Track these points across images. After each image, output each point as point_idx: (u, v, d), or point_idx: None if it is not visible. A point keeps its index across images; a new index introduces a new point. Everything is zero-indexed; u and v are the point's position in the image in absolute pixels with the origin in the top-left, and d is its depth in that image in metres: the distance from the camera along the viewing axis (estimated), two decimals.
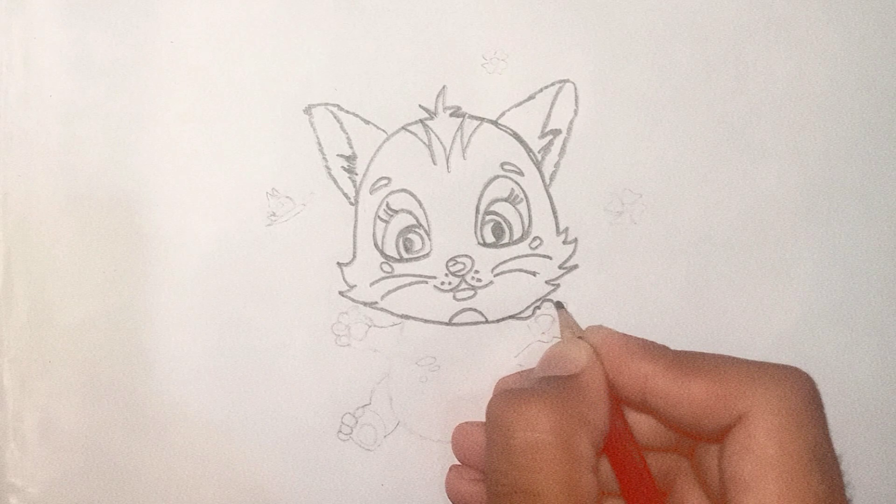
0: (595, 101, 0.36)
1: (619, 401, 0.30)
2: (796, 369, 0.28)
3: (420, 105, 0.36)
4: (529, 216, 0.36)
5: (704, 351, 0.36)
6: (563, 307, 0.35)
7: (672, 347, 0.36)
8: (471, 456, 0.34)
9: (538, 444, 0.27)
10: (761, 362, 0.28)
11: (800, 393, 0.27)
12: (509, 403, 0.28)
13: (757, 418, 0.26)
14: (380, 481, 0.36)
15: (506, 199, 0.36)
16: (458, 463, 0.35)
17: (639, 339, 0.30)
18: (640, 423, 0.31)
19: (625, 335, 0.30)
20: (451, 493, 0.35)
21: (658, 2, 0.37)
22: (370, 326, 0.36)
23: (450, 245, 0.36)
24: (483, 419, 0.35)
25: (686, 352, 0.29)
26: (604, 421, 0.29)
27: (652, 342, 0.30)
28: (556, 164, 0.36)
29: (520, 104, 0.36)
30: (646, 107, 0.37)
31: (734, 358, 0.29)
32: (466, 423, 0.35)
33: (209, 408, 0.36)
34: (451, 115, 0.36)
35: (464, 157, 0.36)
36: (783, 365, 0.28)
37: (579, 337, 0.31)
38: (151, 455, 0.35)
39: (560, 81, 0.36)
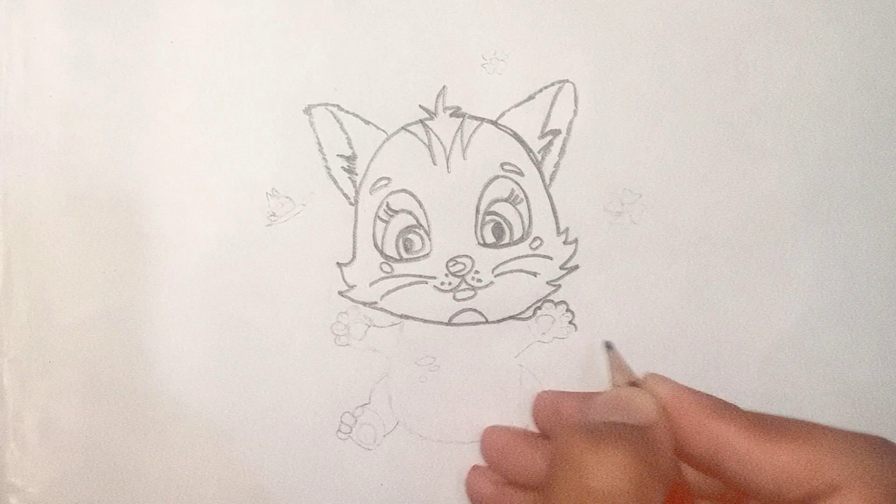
0: (595, 101, 0.36)
1: (679, 457, 0.29)
2: (887, 440, 0.27)
3: (420, 105, 0.36)
4: (529, 216, 0.36)
5: (705, 351, 0.36)
6: (612, 347, 0.33)
7: (672, 348, 0.36)
8: (499, 460, 0.34)
9: (617, 493, 0.25)
10: (850, 431, 0.27)
11: (893, 465, 0.26)
12: (591, 444, 0.26)
13: (853, 491, 0.25)
14: (379, 481, 0.36)
15: (506, 200, 0.36)
16: (477, 464, 0.35)
17: (709, 395, 0.28)
18: (686, 471, 0.29)
19: (693, 391, 0.28)
20: (472, 492, 0.35)
21: (658, 2, 0.37)
22: (369, 326, 0.36)
23: (450, 245, 0.36)
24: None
25: (763, 414, 0.28)
26: (672, 476, 0.27)
27: (723, 400, 0.28)
28: (556, 165, 0.36)
29: (519, 104, 0.36)
30: (646, 107, 0.37)
31: (818, 424, 0.27)
32: (497, 426, 0.35)
33: (209, 408, 0.36)
34: (451, 115, 0.36)
35: (464, 157, 0.36)
36: (872, 435, 0.27)
37: (632, 382, 0.30)
38: (151, 455, 0.35)
39: (560, 81, 0.36)
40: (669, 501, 0.28)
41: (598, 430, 0.27)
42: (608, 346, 0.33)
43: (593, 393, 0.30)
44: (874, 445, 0.26)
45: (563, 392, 0.35)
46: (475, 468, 0.35)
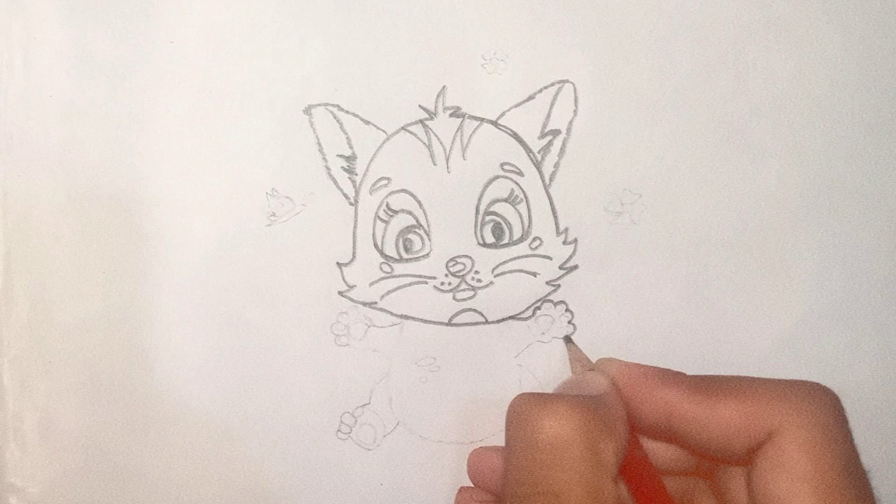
0: (595, 101, 0.36)
1: (635, 429, 0.30)
2: (821, 385, 0.28)
3: (420, 105, 0.36)
4: (529, 216, 0.36)
5: (705, 351, 0.36)
6: (571, 341, 0.35)
7: (672, 348, 0.36)
8: (486, 479, 0.34)
9: (565, 441, 0.26)
10: (785, 380, 0.28)
11: (828, 408, 0.27)
12: (536, 401, 0.27)
13: (788, 434, 0.26)
14: (379, 481, 0.36)
15: (506, 200, 0.36)
16: (467, 485, 0.35)
17: (655, 367, 0.30)
18: (658, 449, 0.31)
19: (640, 364, 0.30)
20: None
21: (658, 2, 0.37)
22: (369, 326, 0.36)
23: (450, 245, 0.36)
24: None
25: (705, 375, 0.29)
26: (625, 440, 0.28)
27: (668, 369, 0.30)
28: (556, 165, 0.36)
29: (519, 104, 0.36)
30: (646, 107, 0.37)
31: (756, 378, 0.29)
32: (482, 447, 0.35)
33: (209, 408, 0.36)
34: (450, 115, 0.36)
35: (464, 157, 0.36)
36: (808, 381, 0.28)
37: (590, 370, 0.31)
38: (151, 455, 0.35)
39: (560, 82, 0.36)
40: (627, 470, 0.29)
41: (545, 393, 0.28)
42: (566, 340, 0.35)
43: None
44: (807, 390, 0.27)
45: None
46: (463, 489, 0.35)
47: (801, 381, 0.28)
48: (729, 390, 0.28)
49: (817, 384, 0.28)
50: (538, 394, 0.28)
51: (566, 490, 0.26)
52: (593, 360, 0.32)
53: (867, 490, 0.26)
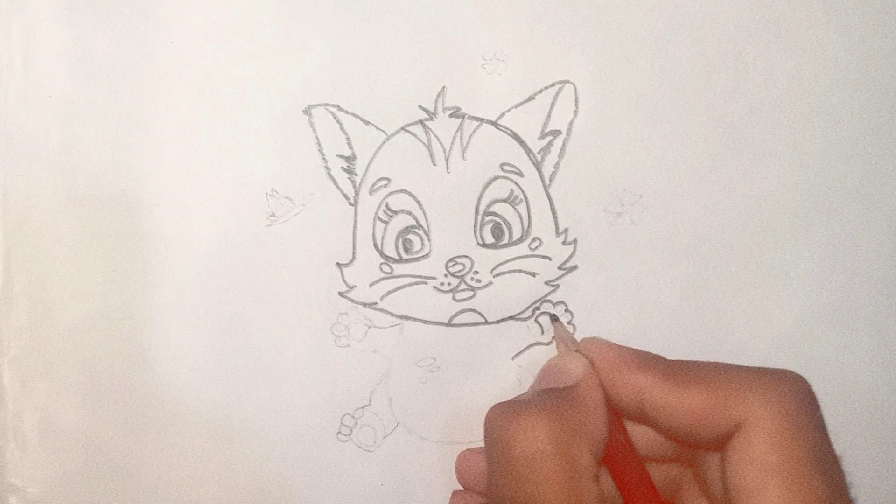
0: (595, 101, 0.36)
1: (616, 412, 0.30)
2: (790, 372, 0.28)
3: (420, 106, 0.36)
4: (529, 217, 0.36)
5: (704, 351, 0.36)
6: (557, 319, 0.35)
7: (672, 348, 0.36)
8: (474, 481, 0.34)
9: (538, 455, 0.27)
10: (755, 368, 0.28)
11: (795, 396, 0.27)
12: (506, 415, 0.28)
13: (754, 426, 0.26)
14: (379, 482, 0.36)
15: (505, 200, 0.36)
16: (456, 489, 0.35)
17: (633, 349, 0.30)
18: (641, 435, 0.31)
19: (620, 346, 0.30)
20: None
21: (658, 2, 0.37)
22: (370, 327, 0.36)
23: (449, 246, 0.36)
24: (482, 430, 0.35)
25: (681, 361, 0.29)
26: (602, 431, 0.29)
27: (647, 352, 0.30)
28: (556, 165, 0.36)
29: (519, 105, 0.36)
30: (646, 107, 0.37)
31: (729, 365, 0.29)
32: (468, 450, 0.35)
33: (209, 408, 0.36)
34: (450, 115, 0.36)
35: (463, 157, 0.36)
36: (777, 369, 0.28)
37: (574, 350, 0.31)
38: (151, 455, 0.36)
39: (560, 82, 0.36)
40: (609, 456, 0.29)
41: (516, 402, 0.29)
42: (553, 319, 0.35)
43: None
44: (775, 379, 0.28)
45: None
46: (456, 493, 0.35)
47: (771, 370, 0.28)
48: (697, 378, 0.28)
49: (786, 371, 0.28)
50: (508, 406, 0.28)
51: (545, 500, 0.26)
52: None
53: (837, 476, 0.27)
